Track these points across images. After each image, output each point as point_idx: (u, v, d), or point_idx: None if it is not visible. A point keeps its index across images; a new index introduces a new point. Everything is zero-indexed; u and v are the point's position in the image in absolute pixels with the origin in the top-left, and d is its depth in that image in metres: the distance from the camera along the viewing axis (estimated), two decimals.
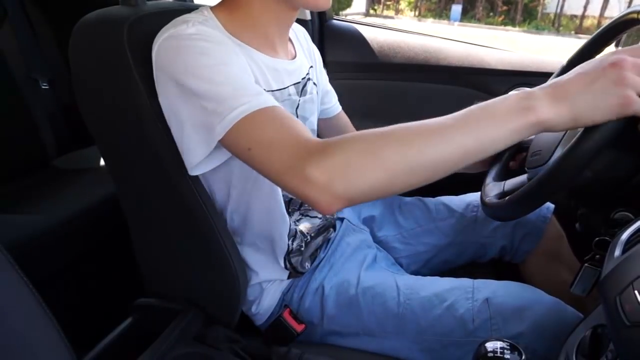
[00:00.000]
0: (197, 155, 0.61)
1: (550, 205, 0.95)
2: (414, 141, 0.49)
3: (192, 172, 0.64)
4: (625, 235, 0.55)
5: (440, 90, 1.27)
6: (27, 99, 1.45)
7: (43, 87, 1.49)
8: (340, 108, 1.00)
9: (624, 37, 0.85)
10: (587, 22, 13.57)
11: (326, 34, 1.31)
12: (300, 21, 1.20)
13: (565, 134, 0.69)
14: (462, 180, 1.14)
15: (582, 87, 0.47)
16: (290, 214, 0.82)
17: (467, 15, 15.05)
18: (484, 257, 0.98)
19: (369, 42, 1.29)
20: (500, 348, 0.48)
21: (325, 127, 0.99)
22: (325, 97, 0.95)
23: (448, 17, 14.75)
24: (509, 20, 14.64)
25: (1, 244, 0.41)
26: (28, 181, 1.35)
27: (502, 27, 13.79)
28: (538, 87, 0.50)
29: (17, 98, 1.42)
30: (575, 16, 13.98)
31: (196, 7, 0.81)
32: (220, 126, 0.55)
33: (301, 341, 0.79)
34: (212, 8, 0.71)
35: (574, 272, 0.73)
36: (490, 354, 0.47)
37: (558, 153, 0.69)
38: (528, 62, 1.22)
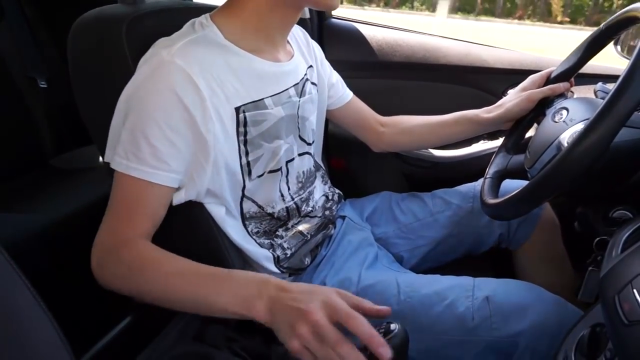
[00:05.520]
0: (109, 149, 0.66)
1: None
2: (162, 279, 0.59)
3: (109, 163, 0.66)
4: (624, 234, 0.55)
5: (439, 88, 1.27)
6: (25, 98, 1.44)
7: (41, 86, 1.49)
8: (351, 95, 1.01)
9: (622, 35, 0.85)
10: None
11: (325, 32, 1.31)
12: (299, 20, 1.20)
13: (560, 136, 0.69)
14: (458, 174, 1.15)
15: (285, 308, 0.52)
16: (290, 218, 0.82)
17: None
18: (483, 246, 0.99)
19: (368, 40, 1.29)
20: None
21: (340, 117, 1.01)
22: (331, 90, 0.96)
23: None
24: None
25: None
26: (26, 180, 1.35)
27: None
28: (276, 285, 0.54)
29: (15, 97, 1.42)
30: None
31: (194, 6, 0.81)
32: (117, 163, 0.63)
33: None
34: (213, 15, 0.71)
35: (565, 262, 0.73)
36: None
37: (552, 153, 0.69)
38: (526, 60, 1.22)
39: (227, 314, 0.55)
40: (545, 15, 11.98)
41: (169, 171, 0.63)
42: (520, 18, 12.21)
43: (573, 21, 11.55)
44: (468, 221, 0.96)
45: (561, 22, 11.69)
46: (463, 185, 1.02)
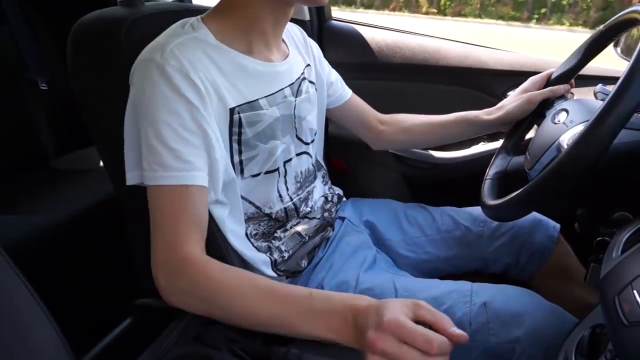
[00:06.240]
0: (130, 171, 0.65)
1: (557, 225, 0.93)
2: (239, 305, 0.58)
3: (128, 182, 0.65)
4: (624, 235, 0.55)
5: (439, 90, 1.27)
6: (26, 99, 1.44)
7: (42, 87, 1.49)
8: (350, 93, 1.01)
9: (622, 37, 0.85)
10: None
11: (325, 34, 1.31)
12: (299, 22, 1.20)
13: (560, 138, 0.69)
14: (458, 176, 1.14)
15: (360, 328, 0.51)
16: (289, 219, 0.82)
17: None
18: (488, 271, 0.97)
19: (368, 42, 1.29)
20: None
21: (340, 115, 1.01)
22: (330, 89, 0.96)
23: None
24: None
25: None
26: (26, 181, 1.35)
27: None
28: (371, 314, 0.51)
29: (16, 99, 1.42)
30: None
31: (194, 8, 0.81)
32: (146, 177, 0.62)
33: (301, 341, 0.78)
34: (203, 17, 0.71)
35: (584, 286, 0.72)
36: None
37: (552, 155, 0.69)
38: (526, 62, 1.22)
39: (311, 337, 0.56)
40: (414, 7, 13.22)
41: (195, 170, 0.62)
42: (393, 10, 13.32)
43: (440, 12, 12.94)
44: (476, 245, 0.94)
45: (427, 13, 12.91)
46: (475, 207, 0.99)
